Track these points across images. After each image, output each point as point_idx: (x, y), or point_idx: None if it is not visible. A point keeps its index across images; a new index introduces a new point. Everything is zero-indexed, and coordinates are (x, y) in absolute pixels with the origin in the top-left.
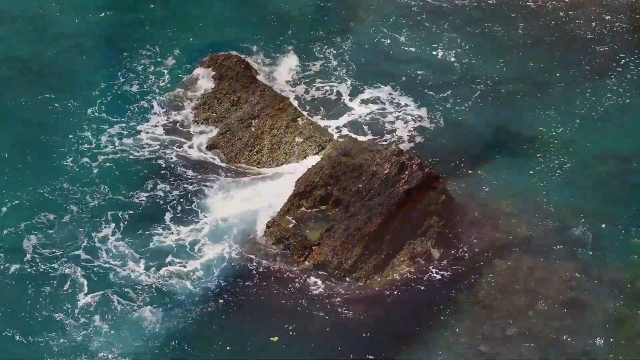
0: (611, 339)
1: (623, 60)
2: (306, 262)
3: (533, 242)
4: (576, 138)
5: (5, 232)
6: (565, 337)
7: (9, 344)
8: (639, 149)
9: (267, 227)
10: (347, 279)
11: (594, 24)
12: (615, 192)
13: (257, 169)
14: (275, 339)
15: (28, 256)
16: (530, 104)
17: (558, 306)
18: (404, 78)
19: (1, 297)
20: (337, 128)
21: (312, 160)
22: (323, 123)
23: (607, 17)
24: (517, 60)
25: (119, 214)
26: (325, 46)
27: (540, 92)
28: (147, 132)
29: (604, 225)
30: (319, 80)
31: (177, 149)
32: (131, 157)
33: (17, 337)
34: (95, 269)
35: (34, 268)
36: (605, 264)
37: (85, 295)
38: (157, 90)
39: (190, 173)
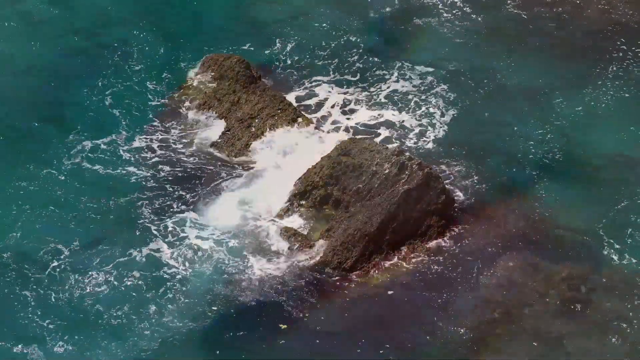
0: (612, 339)
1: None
2: (306, 262)
3: (534, 241)
4: (579, 137)
5: None
6: (566, 337)
7: None
8: None
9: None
10: (347, 278)
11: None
12: (618, 192)
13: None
14: (284, 326)
15: None
16: (532, 104)
17: (559, 306)
18: (406, 79)
19: None
20: (336, 129)
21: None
22: (323, 123)
23: None
24: (521, 64)
25: (115, 219)
26: (326, 45)
27: (546, 92)
28: (145, 135)
29: (605, 225)
30: (319, 79)
31: (176, 151)
32: (128, 160)
33: None
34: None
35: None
36: (607, 263)
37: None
38: (156, 92)
39: (189, 175)
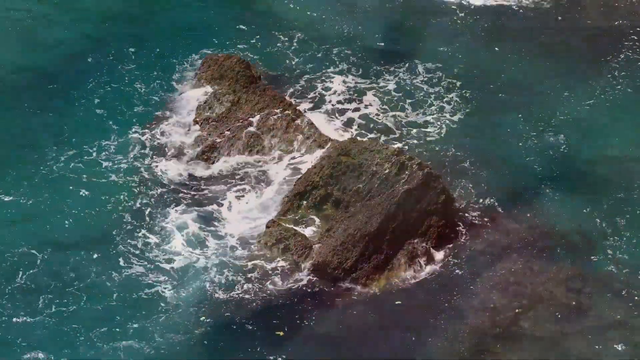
0: (611, 341)
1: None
2: (306, 263)
3: (533, 243)
4: (577, 138)
5: None
6: (565, 339)
7: None
8: None
9: (267, 227)
10: (347, 279)
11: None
12: (619, 194)
13: (256, 162)
14: (281, 333)
15: None
16: (537, 105)
17: (558, 308)
18: (409, 79)
19: None
20: (336, 129)
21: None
22: (323, 123)
23: None
24: (527, 64)
25: (98, 231)
26: (328, 45)
27: (551, 93)
28: (136, 142)
29: (604, 227)
30: (319, 79)
31: (176, 151)
32: (115, 169)
33: None
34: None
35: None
36: (606, 264)
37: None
38: (152, 95)
39: (188, 176)
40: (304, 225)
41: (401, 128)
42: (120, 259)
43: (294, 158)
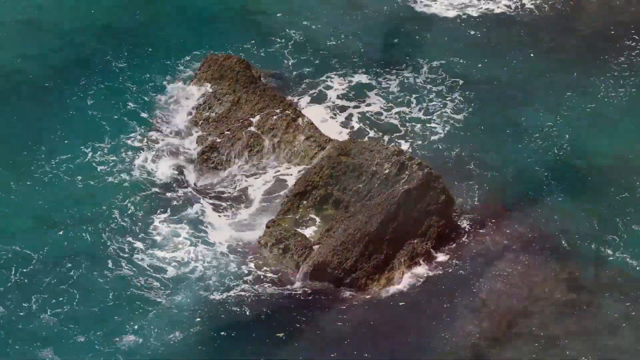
0: (611, 340)
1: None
2: (306, 263)
3: (533, 242)
4: (577, 139)
5: None
6: (565, 338)
7: None
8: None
9: (267, 227)
10: (347, 279)
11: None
12: (618, 194)
13: (252, 168)
14: (281, 334)
15: None
16: (530, 106)
17: (558, 307)
18: (409, 81)
19: None
20: (337, 128)
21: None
22: (323, 123)
23: None
24: (528, 66)
25: (93, 233)
26: (328, 45)
27: (543, 93)
28: (142, 136)
29: (604, 227)
30: (319, 79)
31: (175, 152)
32: (123, 167)
33: None
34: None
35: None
36: (605, 264)
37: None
38: (156, 92)
39: (187, 177)
40: (304, 226)
41: (405, 125)
42: (115, 261)
43: (283, 169)
